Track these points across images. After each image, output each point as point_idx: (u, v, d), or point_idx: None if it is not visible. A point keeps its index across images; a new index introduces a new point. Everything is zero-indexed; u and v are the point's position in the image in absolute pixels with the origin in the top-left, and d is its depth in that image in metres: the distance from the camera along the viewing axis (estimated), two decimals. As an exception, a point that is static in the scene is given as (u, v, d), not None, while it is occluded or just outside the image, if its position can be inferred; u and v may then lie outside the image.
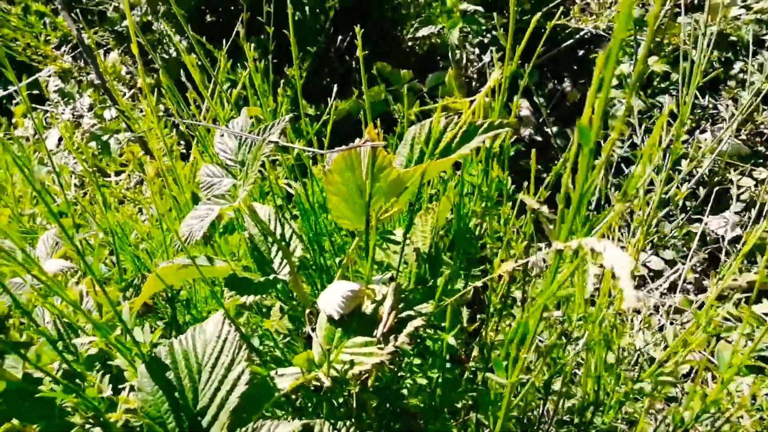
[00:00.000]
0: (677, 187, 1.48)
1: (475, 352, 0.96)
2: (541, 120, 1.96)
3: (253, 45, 1.12)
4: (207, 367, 0.65)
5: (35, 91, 2.49)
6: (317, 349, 0.71)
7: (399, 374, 0.84)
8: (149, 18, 2.29)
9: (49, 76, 2.56)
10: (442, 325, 0.83)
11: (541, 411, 0.93)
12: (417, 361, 0.85)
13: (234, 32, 1.18)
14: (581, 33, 1.95)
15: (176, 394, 0.63)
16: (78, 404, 0.70)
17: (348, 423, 0.72)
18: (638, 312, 1.62)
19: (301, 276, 0.87)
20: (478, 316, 1.21)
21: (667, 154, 1.15)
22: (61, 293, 0.64)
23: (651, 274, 1.65)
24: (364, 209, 0.72)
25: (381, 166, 0.68)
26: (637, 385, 0.77)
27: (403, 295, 0.70)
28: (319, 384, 0.72)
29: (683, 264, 1.60)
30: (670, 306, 1.54)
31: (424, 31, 1.78)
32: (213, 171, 0.84)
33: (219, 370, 0.64)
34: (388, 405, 0.83)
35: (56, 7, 2.45)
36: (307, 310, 0.75)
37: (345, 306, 0.68)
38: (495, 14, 1.73)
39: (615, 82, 1.75)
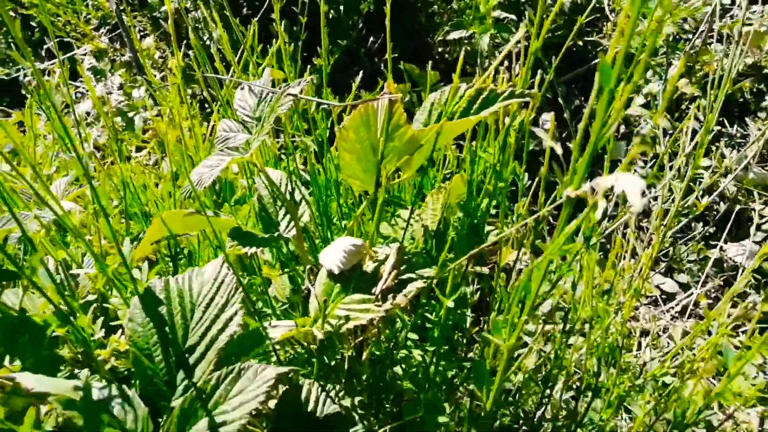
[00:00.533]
0: (696, 199, 1.45)
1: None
2: (564, 134, 1.94)
3: (282, 26, 1.13)
4: (201, 307, 0.64)
5: (70, 68, 2.54)
6: (314, 304, 0.70)
7: (394, 350, 0.82)
8: (188, 5, 2.34)
9: (85, 54, 2.61)
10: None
11: (539, 408, 0.90)
12: (414, 336, 0.83)
13: (264, 19, 1.19)
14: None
15: (167, 329, 0.62)
16: (69, 336, 0.69)
17: (338, 387, 0.70)
18: (647, 333, 1.58)
19: (306, 242, 0.86)
20: (483, 318, 1.19)
21: (689, 164, 1.13)
22: (67, 222, 0.64)
23: (664, 296, 1.61)
24: (376, 169, 0.71)
25: (396, 125, 0.68)
26: (639, 380, 0.75)
27: (406, 257, 0.69)
28: (312, 344, 0.71)
29: (697, 289, 1.56)
30: (682, 330, 1.49)
31: (454, 35, 1.79)
32: (230, 126, 0.84)
33: (212, 310, 0.64)
34: (380, 383, 0.81)
35: (100, -12, 2.52)
36: (308, 267, 0.74)
37: (346, 261, 0.67)
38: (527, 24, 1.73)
39: (642, 100, 1.74)
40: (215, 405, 0.57)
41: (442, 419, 0.70)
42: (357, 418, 0.67)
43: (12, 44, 2.79)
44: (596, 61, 2.00)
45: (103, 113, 1.05)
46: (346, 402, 0.71)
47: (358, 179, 0.72)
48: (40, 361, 0.71)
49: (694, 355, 0.83)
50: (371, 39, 2.30)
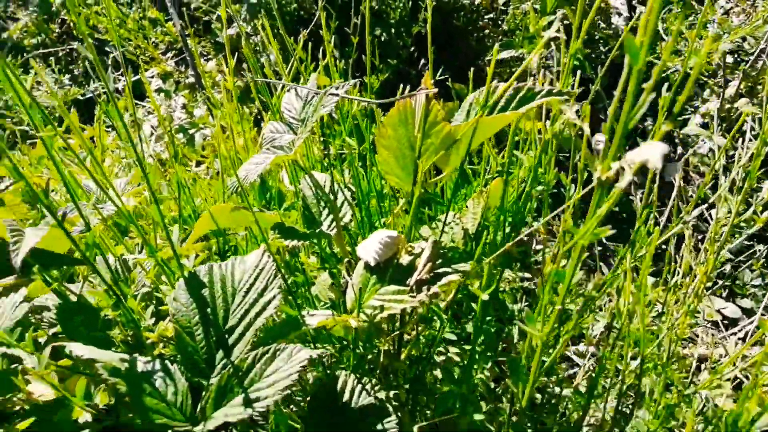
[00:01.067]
0: (755, 213, 1.39)
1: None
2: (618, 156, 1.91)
3: (333, 43, 1.17)
4: (241, 291, 0.67)
5: (138, 89, 2.70)
6: (351, 295, 0.71)
7: (431, 348, 0.82)
8: (248, 29, 2.45)
9: (152, 77, 2.77)
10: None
11: (582, 415, 0.87)
12: (453, 336, 0.83)
13: (317, 40, 1.24)
14: (668, 71, 1.90)
15: (208, 310, 0.65)
16: (120, 319, 0.73)
17: (374, 381, 0.71)
18: (705, 359, 1.50)
19: (347, 241, 0.88)
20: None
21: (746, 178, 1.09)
22: (122, 209, 0.69)
23: (726, 321, 1.53)
24: (413, 166, 0.73)
25: (434, 122, 0.69)
26: (689, 389, 0.71)
27: (442, 251, 0.70)
28: (349, 336, 0.72)
29: (763, 315, 1.48)
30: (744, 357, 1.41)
31: (504, 54, 1.80)
32: (276, 128, 0.88)
33: (252, 295, 0.66)
34: (418, 381, 0.81)
35: (170, 15, 2.68)
36: (346, 259, 0.75)
37: (382, 252, 0.68)
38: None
39: (699, 120, 1.69)
40: (251, 383, 0.59)
41: (477, 417, 0.69)
42: (391, 410, 0.67)
43: (89, 68, 3.00)
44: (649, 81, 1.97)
45: (164, 125, 1.12)
46: (381, 395, 0.71)
47: (395, 176, 0.74)
48: (93, 341, 0.76)
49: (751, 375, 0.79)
50: (422, 61, 2.34)
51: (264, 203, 1.28)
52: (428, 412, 0.79)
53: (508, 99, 0.69)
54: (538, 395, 0.96)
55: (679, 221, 1.05)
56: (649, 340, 1.03)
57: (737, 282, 1.60)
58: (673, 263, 1.15)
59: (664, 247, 1.71)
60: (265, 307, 0.64)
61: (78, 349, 0.58)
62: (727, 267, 1.60)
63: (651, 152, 0.36)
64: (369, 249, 0.70)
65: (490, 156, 0.85)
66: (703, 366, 1.43)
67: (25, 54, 2.99)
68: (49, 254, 0.71)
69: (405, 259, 0.70)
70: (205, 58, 2.89)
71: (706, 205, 1.54)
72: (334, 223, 0.84)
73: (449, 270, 0.68)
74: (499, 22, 2.22)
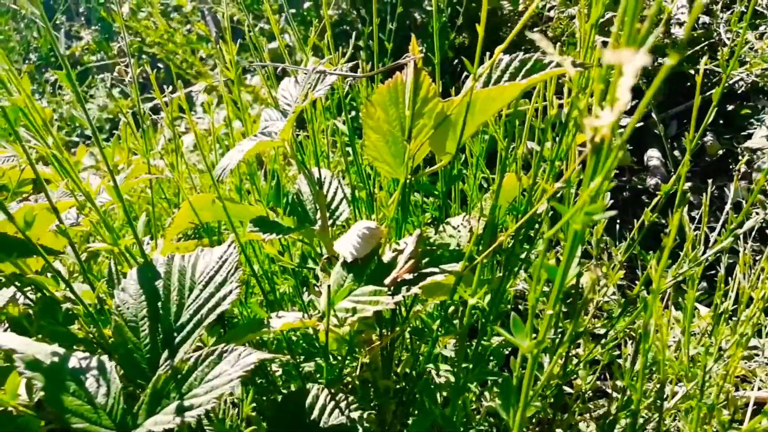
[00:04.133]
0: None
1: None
2: (671, 173, 1.74)
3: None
4: (200, 285, 0.59)
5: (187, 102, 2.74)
6: (324, 296, 0.62)
7: (417, 362, 0.71)
8: (291, 44, 2.45)
9: (200, 91, 2.82)
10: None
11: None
12: (449, 353, 0.72)
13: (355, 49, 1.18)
14: (730, 81, 1.73)
15: (159, 304, 0.58)
16: (78, 312, 0.67)
17: (350, 398, 0.61)
18: (764, 403, 1.31)
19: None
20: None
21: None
22: (79, 184, 0.63)
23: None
24: (406, 152, 0.64)
25: (425, 98, 0.60)
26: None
27: (429, 248, 0.60)
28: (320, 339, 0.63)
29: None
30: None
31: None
32: (271, 115, 0.81)
33: (209, 288, 0.58)
34: (406, 403, 0.71)
35: (219, 31, 2.72)
36: (324, 257, 0.67)
37: (360, 246, 0.59)
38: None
39: (765, 132, 1.51)
40: (189, 387, 0.51)
41: (465, 448, 0.58)
42: (362, 432, 0.57)
43: (141, 82, 3.09)
44: (711, 92, 1.80)
45: (200, 138, 1.08)
46: (356, 415, 0.61)
47: (385, 164, 0.65)
48: (54, 336, 0.70)
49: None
50: (464, 74, 2.26)
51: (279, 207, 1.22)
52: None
53: (512, 72, 0.59)
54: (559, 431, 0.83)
55: (728, 234, 0.91)
56: (693, 376, 0.88)
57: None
58: (723, 285, 1.00)
59: (713, 272, 1.53)
60: (220, 302, 0.56)
61: (2, 339, 0.52)
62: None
63: (622, 57, 0.26)
64: (346, 243, 0.61)
65: (501, 147, 0.75)
66: (761, 411, 1.24)
67: (77, 68, 3.11)
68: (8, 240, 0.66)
69: (387, 256, 0.61)
70: (252, 73, 2.92)
71: (753, 220, 1.37)
72: (329, 221, 0.76)
73: (436, 270, 0.58)
74: (547, 32, 2.11)
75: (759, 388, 1.21)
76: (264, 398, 0.73)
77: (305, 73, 0.75)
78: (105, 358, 0.55)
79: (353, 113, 1.82)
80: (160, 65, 3.11)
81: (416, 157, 0.63)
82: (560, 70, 0.57)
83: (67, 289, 0.63)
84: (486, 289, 0.57)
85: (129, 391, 0.54)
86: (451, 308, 0.66)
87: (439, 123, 0.57)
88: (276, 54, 2.71)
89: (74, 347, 0.70)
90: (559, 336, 0.70)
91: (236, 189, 0.97)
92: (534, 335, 0.43)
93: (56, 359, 0.52)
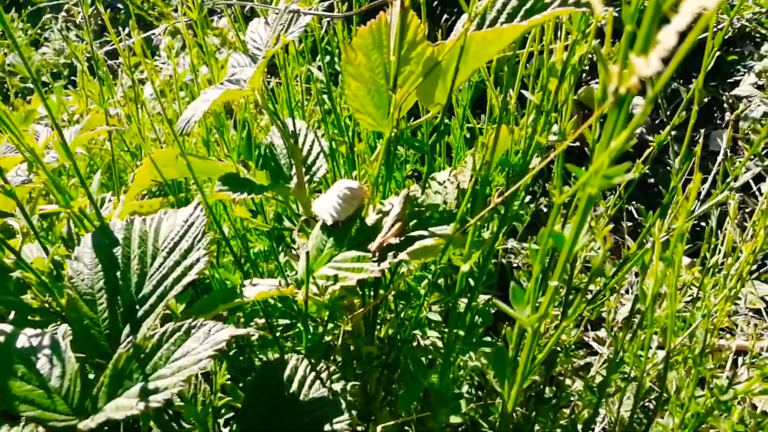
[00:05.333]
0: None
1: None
2: (657, 121, 1.71)
3: None
4: (163, 252, 0.53)
5: (148, 46, 2.59)
6: (302, 261, 0.57)
7: (405, 331, 0.67)
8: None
9: (162, 34, 2.65)
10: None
11: (595, 416, 0.72)
12: (437, 317, 0.68)
13: None
14: (718, 26, 1.68)
15: (118, 274, 0.52)
16: (30, 281, 0.61)
17: (332, 368, 0.57)
18: (744, 352, 1.33)
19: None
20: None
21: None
22: (22, 140, 0.56)
23: (769, 309, 1.34)
24: (389, 103, 0.58)
25: (412, 42, 0.54)
26: (726, 395, 0.56)
27: (418, 209, 0.55)
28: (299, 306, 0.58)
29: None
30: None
31: None
32: (239, 61, 0.73)
33: (174, 256, 0.52)
34: (388, 368, 0.67)
35: (179, -31, 2.55)
36: (302, 218, 0.61)
37: (341, 208, 0.54)
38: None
39: (754, 80, 1.48)
40: (154, 367, 0.46)
41: (454, 419, 0.55)
42: (345, 406, 0.53)
43: (100, 24, 2.90)
44: (702, 36, 1.75)
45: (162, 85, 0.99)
46: (338, 386, 0.57)
47: (368, 115, 0.59)
48: (8, 306, 0.64)
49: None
50: (444, 16, 2.16)
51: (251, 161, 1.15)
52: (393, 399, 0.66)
53: (510, 12, 0.53)
54: (547, 390, 0.81)
55: (724, 188, 0.88)
56: (680, 329, 0.87)
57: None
58: (714, 239, 0.97)
59: (703, 224, 1.52)
60: (186, 271, 0.51)
61: (-62, 316, 0.46)
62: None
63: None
64: (326, 204, 0.55)
65: (492, 97, 0.69)
66: (741, 359, 1.26)
67: (28, 8, 2.90)
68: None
69: (371, 218, 0.55)
70: (219, 15, 2.76)
71: (750, 173, 1.35)
72: (305, 177, 0.70)
73: (425, 233, 0.53)
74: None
75: (740, 337, 1.21)
76: (239, 367, 0.69)
77: (276, 13, 0.67)
78: (59, 334, 0.49)
79: (328, 58, 1.72)
80: (120, 5, 2.91)
81: (402, 108, 0.57)
82: (564, 10, 0.51)
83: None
84: (478, 254, 0.52)
85: (86, 371, 0.49)
86: (439, 272, 0.61)
87: (430, 70, 0.51)
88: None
89: (29, 317, 0.65)
90: (561, 308, 0.67)
91: (203, 142, 0.90)
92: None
93: (2, 339, 0.47)
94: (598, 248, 1.17)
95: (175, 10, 2.79)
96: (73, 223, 0.79)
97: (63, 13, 2.88)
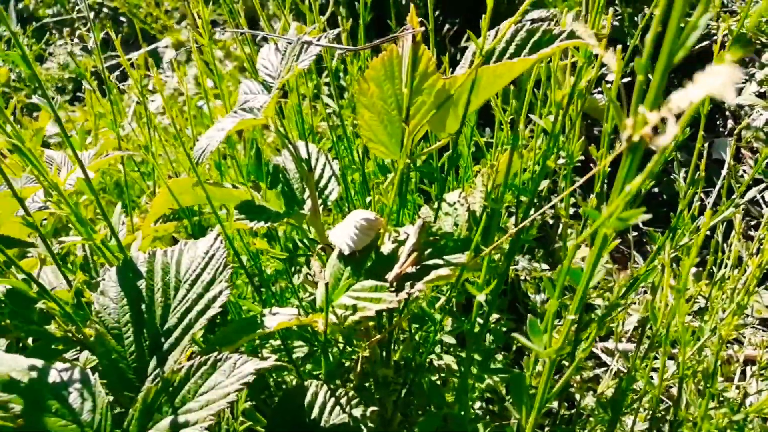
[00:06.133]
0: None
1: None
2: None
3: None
4: (186, 284, 0.55)
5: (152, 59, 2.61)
6: (321, 290, 0.59)
7: (420, 353, 0.69)
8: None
9: (166, 47, 2.67)
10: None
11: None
12: (451, 340, 0.70)
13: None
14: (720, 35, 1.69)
15: (143, 306, 0.53)
16: (53, 311, 0.62)
17: (350, 394, 0.58)
18: (753, 362, 1.34)
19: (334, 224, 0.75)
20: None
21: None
22: (46, 175, 0.57)
23: (775, 316, 1.35)
24: (403, 133, 0.59)
25: (424, 73, 0.55)
26: (739, 414, 0.57)
27: (432, 238, 0.56)
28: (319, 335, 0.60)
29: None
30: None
31: (533, 15, 1.62)
32: (250, 88, 0.75)
33: (197, 288, 0.54)
34: (405, 391, 0.68)
35: (182, -18, 2.57)
36: (319, 246, 0.63)
37: (357, 239, 0.55)
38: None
39: (756, 88, 1.49)
40: (182, 401, 0.47)
41: (472, 442, 0.56)
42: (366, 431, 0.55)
43: (103, 38, 2.92)
44: (700, 45, 1.77)
45: (166, 102, 1.01)
46: (358, 412, 0.59)
47: (381, 144, 0.60)
48: (31, 334, 0.65)
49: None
50: (446, 27, 2.17)
51: (260, 182, 1.16)
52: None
53: (518, 44, 0.54)
54: (554, 403, 0.82)
55: (730, 204, 0.89)
56: (687, 343, 0.88)
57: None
58: (720, 253, 0.99)
59: (708, 233, 1.52)
60: (210, 304, 0.52)
61: (-29, 354, 0.47)
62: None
63: (715, 81, 0.22)
64: (343, 234, 0.57)
65: (502, 121, 0.71)
66: (749, 370, 1.26)
67: (33, 24, 2.92)
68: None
69: (387, 247, 0.57)
70: (222, 28, 2.78)
71: (760, 186, 1.36)
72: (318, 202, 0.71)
73: (440, 262, 0.54)
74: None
75: (747, 348, 1.22)
76: (258, 394, 0.70)
77: (290, 43, 0.68)
78: (81, 361, 0.51)
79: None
80: (123, 19, 2.94)
81: (414, 137, 0.58)
82: (572, 42, 0.52)
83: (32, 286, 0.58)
84: (494, 284, 0.53)
85: (114, 404, 0.50)
86: (453, 298, 0.63)
87: (443, 102, 0.52)
88: (248, 5, 2.57)
89: (53, 346, 0.66)
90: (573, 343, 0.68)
91: (215, 165, 0.91)
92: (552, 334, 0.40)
93: (35, 375, 0.48)
94: (606, 262, 1.18)
95: (178, 23, 2.82)
96: (88, 250, 0.81)
97: (71, 29, 2.90)
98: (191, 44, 1.03)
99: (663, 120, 0.29)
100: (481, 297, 0.49)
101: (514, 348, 0.90)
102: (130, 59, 2.73)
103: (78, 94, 2.67)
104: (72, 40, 2.86)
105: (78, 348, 0.67)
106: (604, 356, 1.25)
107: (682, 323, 0.52)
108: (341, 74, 1.07)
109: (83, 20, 2.94)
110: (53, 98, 2.79)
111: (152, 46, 2.61)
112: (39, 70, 2.81)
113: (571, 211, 0.97)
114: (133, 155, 1.08)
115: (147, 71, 2.56)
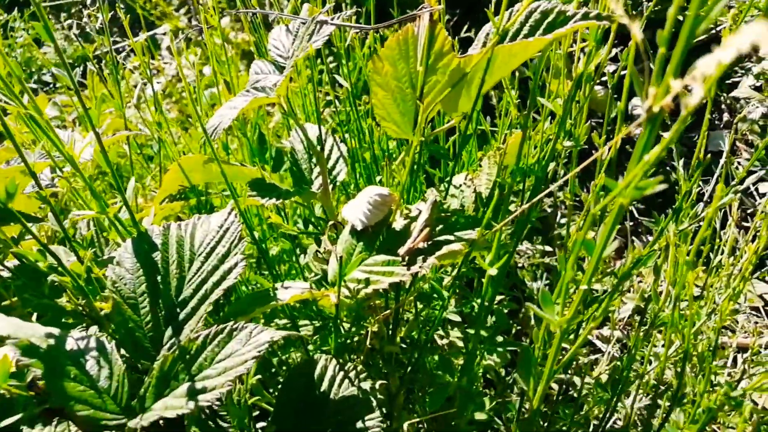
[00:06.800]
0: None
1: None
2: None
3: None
4: (200, 257, 0.55)
5: (150, 46, 2.59)
6: (333, 265, 0.60)
7: (428, 329, 0.70)
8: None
9: (164, 33, 2.66)
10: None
11: (606, 416, 0.75)
12: (456, 317, 0.71)
13: None
14: (718, 28, 1.71)
15: (158, 278, 0.54)
16: (66, 284, 0.63)
17: (359, 368, 0.59)
18: (745, 349, 1.36)
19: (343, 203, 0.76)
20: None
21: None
22: (62, 149, 0.58)
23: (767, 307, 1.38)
24: (416, 112, 0.60)
25: (440, 53, 0.56)
26: (736, 392, 0.59)
27: (444, 215, 0.57)
28: (331, 313, 0.61)
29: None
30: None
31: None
32: (262, 68, 0.75)
33: (212, 261, 0.55)
34: (411, 368, 0.69)
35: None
36: (331, 222, 0.63)
37: (370, 214, 0.56)
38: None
39: (752, 82, 1.51)
40: (199, 368, 0.48)
41: (479, 416, 0.58)
42: (376, 404, 0.56)
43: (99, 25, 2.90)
44: (700, 38, 1.78)
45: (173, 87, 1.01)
46: (366, 385, 0.60)
47: (394, 123, 0.61)
48: (41, 308, 0.66)
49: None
50: (447, 17, 2.17)
51: (263, 164, 1.16)
52: (424, 407, 0.68)
53: (532, 25, 0.55)
54: (554, 386, 0.84)
55: (729, 191, 0.91)
56: (684, 327, 0.90)
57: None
58: (717, 240, 1.00)
59: (702, 223, 1.54)
60: (225, 276, 0.53)
61: (-8, 320, 0.48)
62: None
63: (744, 39, 0.23)
64: (356, 210, 0.57)
65: (510, 104, 0.72)
66: (741, 356, 1.29)
67: (28, 8, 2.89)
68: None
69: (399, 224, 0.58)
70: (221, 15, 2.76)
71: (760, 173, 1.38)
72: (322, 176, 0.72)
73: (451, 238, 0.55)
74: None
75: (741, 335, 1.25)
76: (264, 372, 0.71)
77: (303, 23, 0.69)
78: (103, 337, 0.51)
79: (331, 58, 1.74)
80: (121, 5, 2.92)
81: (427, 116, 0.59)
82: (585, 24, 0.53)
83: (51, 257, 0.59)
84: (505, 258, 0.55)
85: (131, 372, 0.51)
86: (460, 274, 0.64)
87: (458, 81, 0.53)
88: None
89: (63, 320, 0.67)
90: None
91: (223, 146, 0.92)
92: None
93: (53, 342, 0.49)
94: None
95: (177, 9, 2.80)
96: (96, 228, 0.81)
97: (69, 12, 2.88)
98: (195, 28, 1.03)
99: (674, 99, 0.30)
100: (492, 271, 0.50)
101: (513, 332, 0.91)
102: (125, 48, 2.71)
103: (77, 79, 2.65)
104: (73, 24, 2.84)
105: (84, 324, 0.68)
106: (599, 343, 1.27)
107: (691, 294, 0.54)
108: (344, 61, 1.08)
109: (81, 4, 2.92)
110: (50, 84, 2.77)
111: (151, 32, 2.60)
112: (40, 54, 2.78)
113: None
114: (136, 135, 1.08)
115: (150, 57, 2.55)
